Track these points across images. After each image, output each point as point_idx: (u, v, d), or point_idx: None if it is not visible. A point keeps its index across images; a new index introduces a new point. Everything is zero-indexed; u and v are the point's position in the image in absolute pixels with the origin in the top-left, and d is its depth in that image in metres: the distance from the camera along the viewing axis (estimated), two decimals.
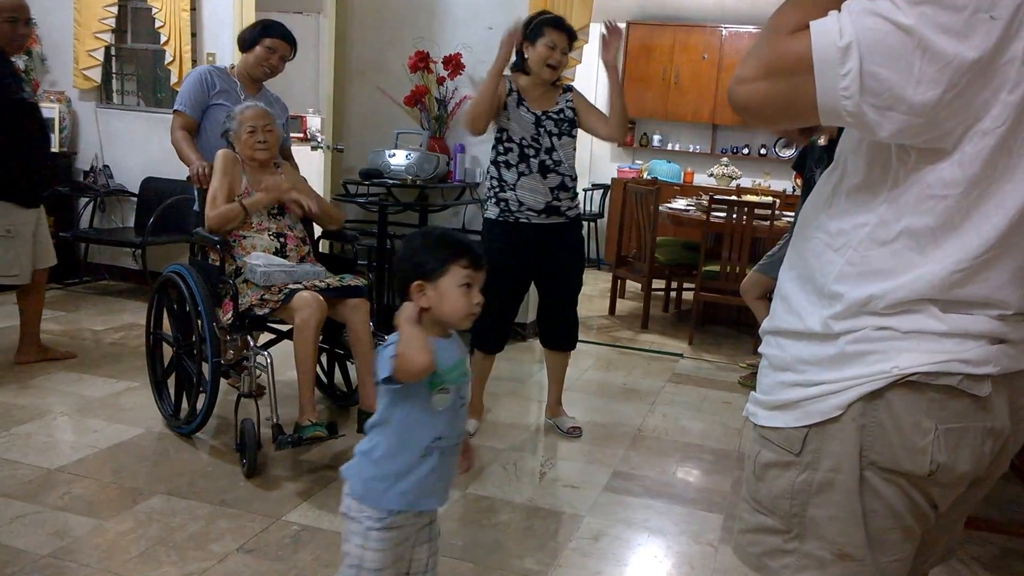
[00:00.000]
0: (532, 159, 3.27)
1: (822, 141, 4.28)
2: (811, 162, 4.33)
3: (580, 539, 2.68)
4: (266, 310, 3.00)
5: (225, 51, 5.18)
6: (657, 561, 2.59)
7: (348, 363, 3.61)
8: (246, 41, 3.70)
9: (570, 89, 3.39)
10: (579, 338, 3.58)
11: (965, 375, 1.06)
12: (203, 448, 3.18)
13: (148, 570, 2.31)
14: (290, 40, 3.71)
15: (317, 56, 4.95)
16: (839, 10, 1.01)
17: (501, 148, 3.31)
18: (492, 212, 3.35)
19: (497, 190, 3.32)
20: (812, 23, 1.01)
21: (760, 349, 1.27)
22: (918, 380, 1.06)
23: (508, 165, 3.29)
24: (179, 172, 5.30)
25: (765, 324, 1.26)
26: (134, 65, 5.90)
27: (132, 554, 2.39)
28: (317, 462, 3.12)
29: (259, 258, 3.07)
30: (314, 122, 7.19)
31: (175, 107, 3.64)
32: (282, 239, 3.22)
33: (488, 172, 3.40)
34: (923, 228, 1.06)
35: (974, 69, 0.97)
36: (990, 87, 0.99)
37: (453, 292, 1.62)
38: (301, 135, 7.13)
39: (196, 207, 3.48)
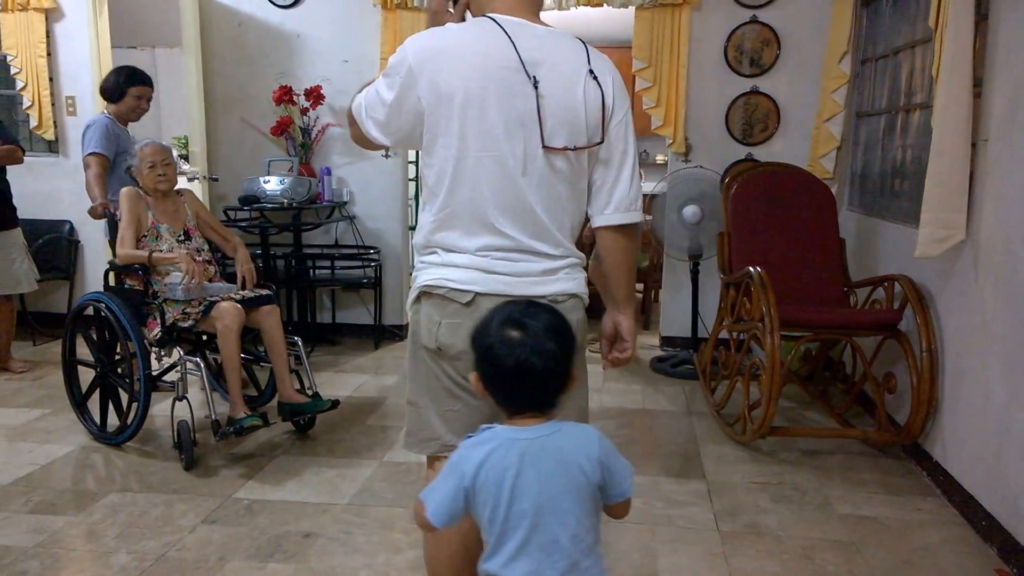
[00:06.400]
0: None
1: None
2: None
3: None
4: (190, 322, 3.39)
5: (85, 94, 5.39)
6: None
7: (253, 368, 4.01)
8: (112, 92, 4.15)
9: None
10: None
11: (450, 288, 1.70)
12: (136, 453, 3.51)
13: (130, 545, 2.70)
14: (150, 82, 4.28)
15: (179, 89, 5.26)
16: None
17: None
18: None
19: None
20: (354, 100, 1.81)
21: None
22: (428, 291, 1.73)
23: None
24: (48, 213, 5.50)
25: None
26: None
27: (110, 536, 2.76)
28: (246, 451, 3.52)
29: (177, 277, 3.45)
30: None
31: (93, 150, 4.04)
32: None
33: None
34: (428, 197, 1.75)
35: (394, 104, 1.70)
36: (408, 114, 1.70)
37: None
38: None
39: (108, 237, 3.80)
